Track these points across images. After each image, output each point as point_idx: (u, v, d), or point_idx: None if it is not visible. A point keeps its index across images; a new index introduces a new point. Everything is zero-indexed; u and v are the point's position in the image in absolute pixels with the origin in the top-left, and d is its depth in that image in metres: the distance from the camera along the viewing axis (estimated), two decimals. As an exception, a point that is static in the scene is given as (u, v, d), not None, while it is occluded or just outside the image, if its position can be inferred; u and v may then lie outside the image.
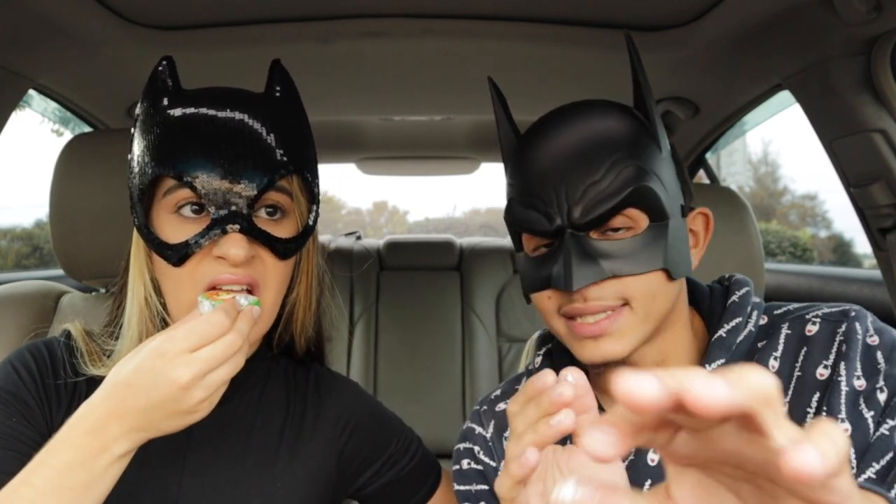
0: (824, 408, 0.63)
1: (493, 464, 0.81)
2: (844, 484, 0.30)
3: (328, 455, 0.84)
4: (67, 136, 1.50)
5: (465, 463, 0.83)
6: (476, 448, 0.82)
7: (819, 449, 0.26)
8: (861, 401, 0.62)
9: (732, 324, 0.72)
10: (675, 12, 1.15)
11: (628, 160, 0.67)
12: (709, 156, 1.92)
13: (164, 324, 0.75)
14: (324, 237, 2.37)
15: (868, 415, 0.61)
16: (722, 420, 0.31)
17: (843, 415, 0.62)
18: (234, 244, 0.67)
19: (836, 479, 0.29)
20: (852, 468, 0.61)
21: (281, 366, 0.88)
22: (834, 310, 0.70)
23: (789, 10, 1.03)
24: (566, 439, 0.70)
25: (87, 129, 1.61)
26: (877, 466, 0.59)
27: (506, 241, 2.27)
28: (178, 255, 0.68)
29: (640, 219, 0.68)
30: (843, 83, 1.07)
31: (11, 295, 1.05)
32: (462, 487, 0.82)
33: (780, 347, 0.70)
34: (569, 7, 1.15)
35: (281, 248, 0.72)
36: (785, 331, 0.71)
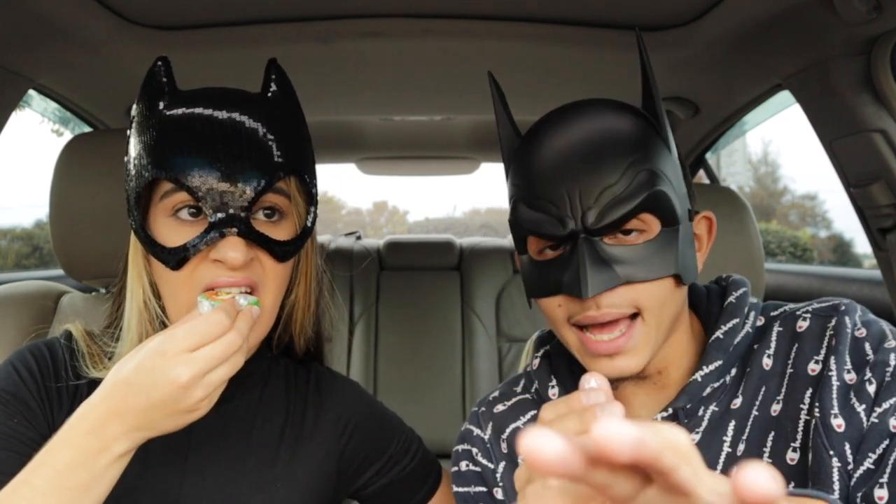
0: (816, 403, 0.63)
1: (491, 465, 0.81)
2: None
3: (329, 455, 0.84)
4: (67, 136, 1.50)
5: (463, 464, 0.83)
6: (474, 450, 0.82)
7: (761, 470, 0.26)
8: (852, 394, 0.62)
9: (729, 325, 0.71)
10: (675, 12, 1.15)
11: (643, 163, 0.66)
12: (709, 156, 1.93)
13: (164, 326, 0.75)
14: (324, 237, 2.37)
15: (860, 408, 0.61)
16: (644, 479, 0.30)
17: (835, 410, 0.62)
18: (232, 248, 0.67)
19: None
20: (848, 464, 0.61)
21: (281, 366, 0.88)
22: (824, 305, 0.70)
23: (789, 10, 1.03)
24: None
25: (87, 129, 1.61)
26: (874, 456, 0.60)
27: (506, 241, 2.27)
28: (176, 258, 0.68)
29: (652, 223, 0.67)
30: (843, 83, 1.07)
31: (11, 295, 1.05)
32: (461, 489, 0.82)
33: (773, 345, 0.70)
34: (569, 7, 1.15)
35: (279, 251, 0.72)
36: (777, 328, 0.71)
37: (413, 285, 2.16)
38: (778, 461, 0.65)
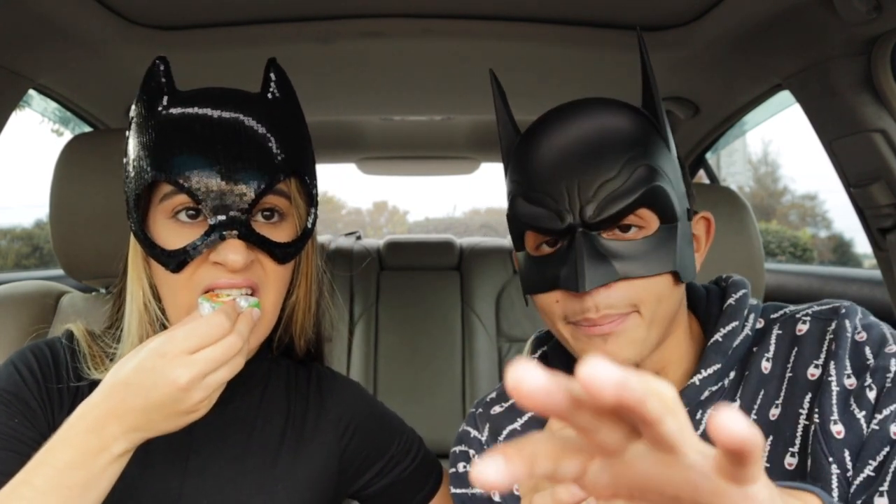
0: (816, 409, 0.63)
1: None
2: (762, 491, 0.31)
3: (329, 455, 0.84)
4: (67, 136, 1.50)
5: (460, 466, 0.83)
6: (471, 451, 0.82)
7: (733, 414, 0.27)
8: (852, 400, 0.62)
9: (729, 328, 0.71)
10: (675, 12, 1.15)
11: (641, 159, 0.65)
12: (709, 156, 1.93)
13: (164, 328, 0.74)
14: (323, 237, 2.37)
15: (860, 414, 0.61)
16: (632, 432, 0.31)
17: (835, 416, 0.61)
18: (233, 250, 0.67)
19: (753, 486, 0.30)
20: (848, 471, 0.60)
21: (282, 367, 0.88)
22: (824, 307, 0.69)
23: (789, 10, 1.03)
24: None
25: (87, 129, 1.61)
26: (874, 463, 0.59)
27: (506, 241, 2.27)
28: (176, 261, 0.68)
29: (651, 219, 0.66)
30: (843, 83, 1.07)
31: (11, 295, 1.05)
32: (459, 490, 0.82)
33: (772, 348, 0.70)
34: (569, 7, 1.15)
35: (279, 253, 0.71)
36: (776, 331, 0.71)
37: (413, 285, 2.16)
38: (776, 466, 0.65)
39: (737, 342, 0.70)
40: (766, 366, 0.69)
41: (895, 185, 1.08)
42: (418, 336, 2.08)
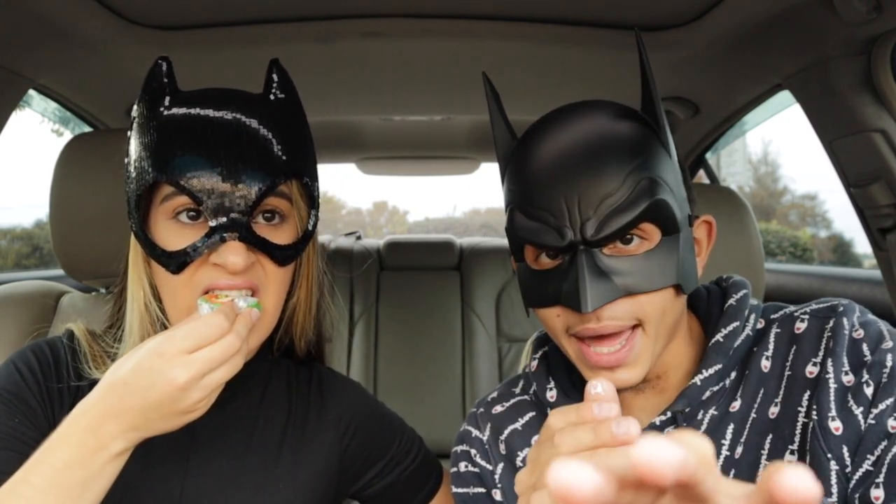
0: (814, 406, 0.63)
1: (489, 467, 0.80)
2: None
3: (330, 455, 0.84)
4: (67, 136, 1.50)
5: (462, 466, 0.83)
6: (472, 451, 0.82)
7: (799, 472, 0.26)
8: (849, 397, 0.62)
9: (730, 328, 0.71)
10: (675, 12, 1.15)
11: (643, 171, 0.64)
12: (709, 156, 1.93)
13: (165, 328, 0.74)
14: (324, 237, 2.37)
15: (857, 411, 0.61)
16: (660, 494, 0.29)
17: (832, 413, 0.62)
18: (233, 252, 0.67)
19: None
20: (846, 467, 0.60)
21: (282, 367, 0.88)
22: (822, 306, 0.69)
23: (789, 10, 1.03)
24: None
25: (87, 129, 1.61)
26: (872, 458, 0.59)
27: (506, 241, 2.26)
28: (177, 262, 0.68)
29: (653, 232, 0.65)
30: (843, 83, 1.07)
31: (11, 295, 1.05)
32: (459, 490, 0.82)
33: (771, 347, 0.70)
34: (569, 7, 1.15)
35: (280, 255, 0.71)
36: (775, 330, 0.71)
37: (413, 285, 2.16)
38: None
39: (738, 342, 0.70)
40: (765, 364, 0.69)
41: (895, 185, 1.08)
42: (418, 336, 2.08)
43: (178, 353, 0.59)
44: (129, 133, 0.72)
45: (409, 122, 1.98)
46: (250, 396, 0.83)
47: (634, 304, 0.64)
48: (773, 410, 0.67)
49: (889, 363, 0.61)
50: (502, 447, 0.80)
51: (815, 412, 0.63)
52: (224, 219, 0.67)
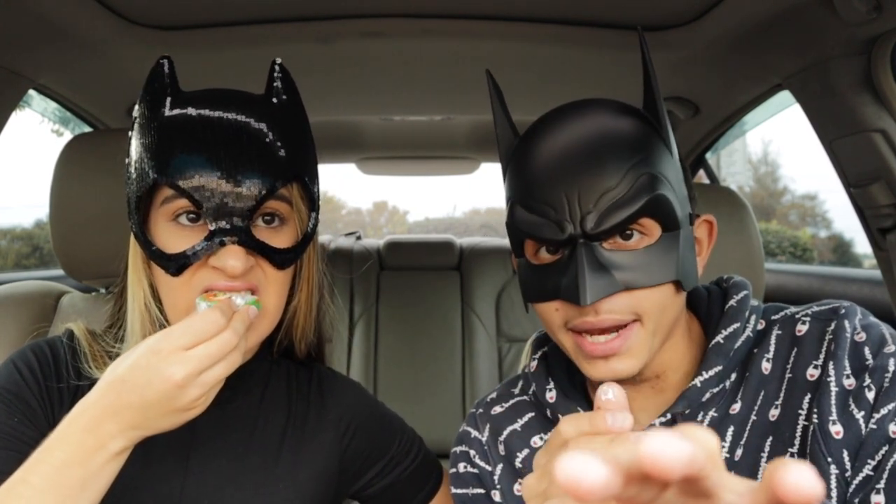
0: (815, 410, 0.63)
1: (488, 468, 0.80)
2: None
3: (330, 455, 0.84)
4: (67, 136, 1.50)
5: (461, 466, 0.83)
6: (472, 452, 0.82)
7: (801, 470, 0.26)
8: (851, 401, 0.61)
9: (730, 329, 0.70)
10: (675, 12, 1.15)
11: (644, 166, 0.64)
12: (709, 156, 1.93)
13: (164, 328, 0.75)
14: (324, 237, 2.37)
15: (859, 415, 0.61)
16: (665, 487, 0.29)
17: (833, 416, 0.61)
18: (233, 256, 0.67)
19: None
20: (846, 471, 0.60)
21: (282, 367, 0.88)
22: (824, 308, 0.69)
23: (789, 10, 1.03)
24: None
25: (87, 129, 1.61)
26: (872, 463, 0.59)
27: (506, 241, 2.26)
28: (177, 265, 0.68)
29: (653, 228, 0.65)
30: (843, 83, 1.07)
31: (11, 295, 1.05)
32: (459, 490, 0.82)
33: (772, 349, 0.70)
34: (569, 7, 1.15)
35: (279, 259, 0.71)
36: (776, 331, 0.70)
37: (413, 285, 2.16)
38: None
39: (738, 344, 0.70)
40: (766, 366, 0.69)
41: (895, 185, 1.08)
42: (418, 336, 2.08)
43: (175, 350, 0.59)
44: (130, 133, 0.72)
45: (409, 122, 1.98)
46: (250, 396, 0.83)
47: (633, 299, 0.65)
48: (774, 413, 0.67)
49: (891, 368, 0.61)
50: (501, 448, 0.80)
51: (815, 415, 0.62)
52: (224, 222, 0.67)
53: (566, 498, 0.48)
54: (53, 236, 1.06)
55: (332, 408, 0.87)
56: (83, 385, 0.75)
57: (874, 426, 0.60)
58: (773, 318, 0.72)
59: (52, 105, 1.53)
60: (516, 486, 0.77)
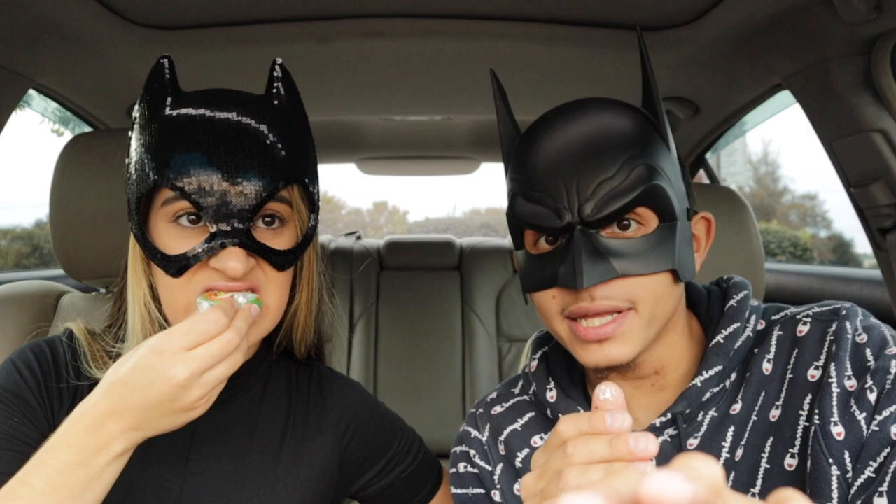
0: (816, 410, 0.63)
1: (488, 468, 0.80)
2: None
3: (330, 455, 0.84)
4: (67, 136, 1.50)
5: (461, 466, 0.83)
6: (472, 452, 0.82)
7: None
8: (852, 402, 0.61)
9: (730, 329, 0.70)
10: (675, 12, 1.15)
11: (641, 158, 0.66)
12: (709, 156, 1.92)
13: (164, 328, 0.75)
14: (323, 237, 2.37)
15: (860, 416, 0.60)
16: None
17: (835, 417, 0.61)
18: (233, 258, 0.67)
19: None
20: (847, 472, 0.60)
21: (282, 367, 0.88)
22: (825, 309, 0.69)
23: (789, 10, 1.03)
24: None
25: (87, 129, 1.61)
26: (874, 465, 0.59)
27: (506, 241, 2.27)
28: (177, 266, 0.68)
29: (650, 218, 0.67)
30: (843, 83, 1.07)
31: (11, 295, 1.05)
32: (459, 490, 0.82)
33: (773, 349, 0.70)
34: (569, 7, 1.15)
35: (279, 260, 0.71)
36: (777, 332, 0.70)
37: (413, 285, 2.16)
38: (776, 467, 0.65)
39: (738, 344, 0.70)
40: (766, 367, 0.69)
41: (895, 185, 1.08)
42: (418, 336, 2.09)
43: (178, 351, 0.59)
44: (130, 133, 0.72)
45: (409, 122, 1.98)
46: (250, 395, 0.83)
47: (628, 287, 0.66)
48: (774, 413, 0.67)
49: (893, 370, 0.61)
50: (501, 448, 0.80)
51: (816, 416, 0.62)
52: (224, 224, 0.67)
53: (566, 498, 0.48)
54: (53, 236, 1.06)
55: (332, 408, 0.87)
56: (83, 385, 0.75)
57: (876, 428, 0.59)
58: (773, 318, 0.73)
59: (52, 105, 1.53)
60: (516, 486, 0.77)
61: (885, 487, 0.57)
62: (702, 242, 0.76)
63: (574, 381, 0.79)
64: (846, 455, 0.60)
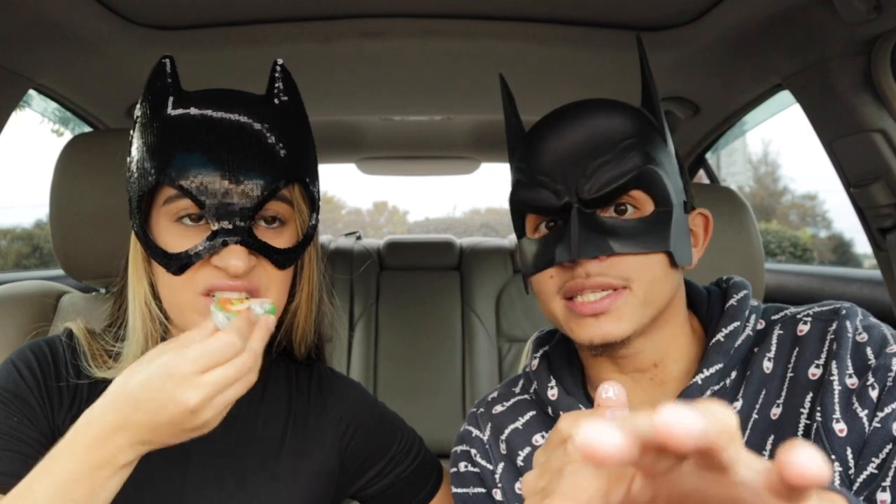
0: (818, 408, 0.63)
1: (489, 467, 0.80)
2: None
3: (330, 455, 0.84)
4: (67, 136, 1.50)
5: (462, 465, 0.83)
6: (473, 451, 0.82)
7: (809, 454, 0.26)
8: (854, 399, 0.62)
9: (730, 328, 0.71)
10: (675, 12, 1.15)
11: (637, 146, 0.69)
12: (709, 156, 1.93)
13: (164, 326, 0.75)
14: (323, 237, 2.37)
15: (862, 413, 0.61)
16: (680, 459, 0.30)
17: (837, 415, 0.62)
18: (235, 256, 0.67)
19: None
20: (850, 469, 0.61)
21: (282, 367, 0.88)
22: (825, 308, 0.70)
23: (789, 10, 1.03)
24: None
25: (87, 129, 1.61)
26: (876, 461, 0.59)
27: (506, 241, 2.27)
28: (179, 264, 0.68)
29: (646, 202, 0.69)
30: (843, 83, 1.07)
31: (11, 295, 1.05)
32: (459, 490, 0.82)
33: (773, 348, 0.70)
34: (569, 7, 1.15)
35: (280, 259, 0.72)
36: (777, 331, 0.71)
37: (413, 285, 2.16)
38: None
39: (738, 342, 0.71)
40: (767, 366, 0.70)
41: (895, 185, 1.08)
42: (418, 336, 2.09)
43: (190, 375, 0.57)
44: (131, 133, 0.72)
45: (409, 122, 1.98)
46: (250, 395, 0.82)
47: (623, 265, 0.68)
48: (776, 412, 0.67)
49: (894, 367, 0.62)
50: (503, 447, 0.80)
51: (818, 414, 0.63)
52: (226, 222, 0.67)
53: (565, 496, 0.48)
54: (53, 236, 1.06)
55: (332, 408, 0.87)
56: (83, 384, 0.75)
57: (878, 425, 0.60)
58: (773, 318, 0.73)
59: (52, 105, 1.53)
60: (518, 485, 0.78)
61: (887, 483, 0.58)
62: (700, 238, 0.78)
63: (575, 378, 0.79)
64: (848, 451, 0.61)
